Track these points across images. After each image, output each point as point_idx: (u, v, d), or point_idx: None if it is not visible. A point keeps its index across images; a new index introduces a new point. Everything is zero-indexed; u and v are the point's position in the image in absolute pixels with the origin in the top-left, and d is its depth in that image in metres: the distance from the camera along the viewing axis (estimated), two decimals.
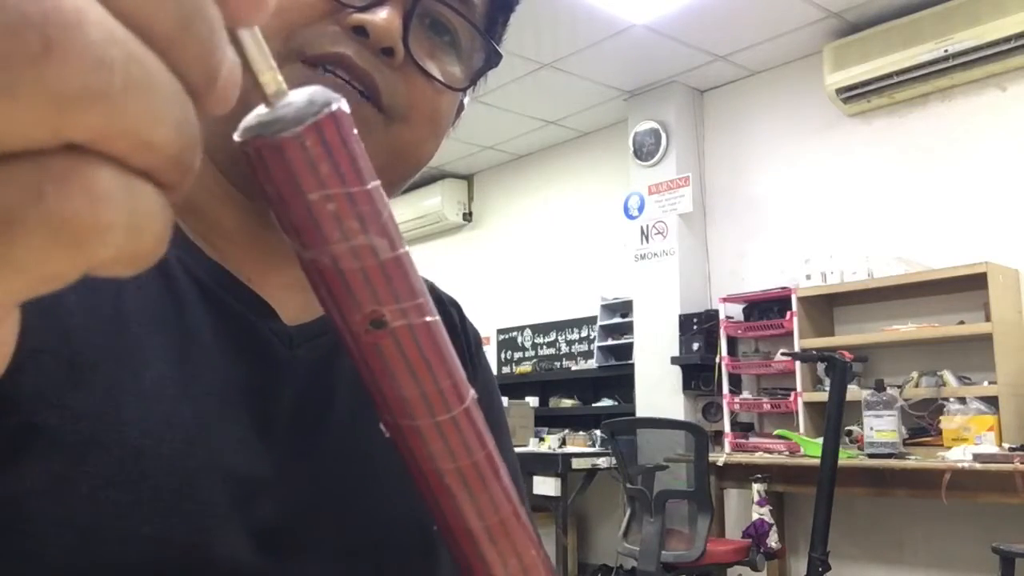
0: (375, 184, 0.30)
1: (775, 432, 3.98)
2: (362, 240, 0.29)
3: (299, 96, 0.29)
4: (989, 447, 3.18)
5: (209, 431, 0.47)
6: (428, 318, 0.31)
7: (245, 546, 0.47)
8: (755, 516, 3.59)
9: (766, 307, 4.23)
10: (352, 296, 0.29)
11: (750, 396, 4.35)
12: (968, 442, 3.27)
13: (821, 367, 3.96)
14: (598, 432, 4.65)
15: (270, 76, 0.29)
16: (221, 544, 0.46)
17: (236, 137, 0.29)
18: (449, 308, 0.70)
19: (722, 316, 4.37)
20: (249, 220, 0.55)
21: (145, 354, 0.47)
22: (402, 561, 0.55)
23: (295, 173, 0.28)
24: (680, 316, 4.55)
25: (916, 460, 3.26)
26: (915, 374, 3.67)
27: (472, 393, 0.33)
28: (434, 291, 0.69)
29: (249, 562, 0.47)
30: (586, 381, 5.36)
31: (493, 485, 0.34)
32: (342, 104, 0.29)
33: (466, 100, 0.64)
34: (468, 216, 6.38)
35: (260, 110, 0.29)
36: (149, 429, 0.45)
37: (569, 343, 5.59)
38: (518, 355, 5.91)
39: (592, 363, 5.30)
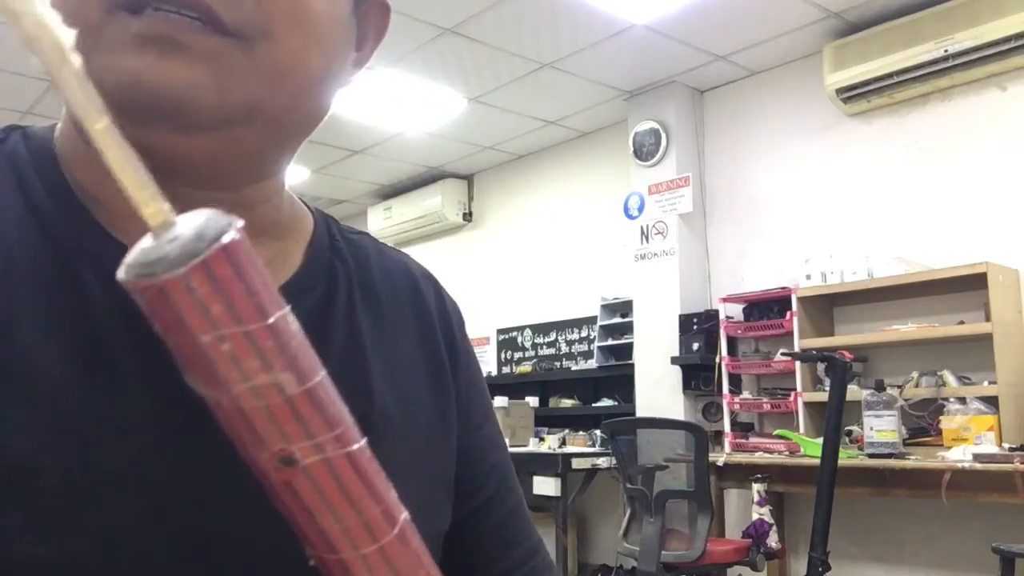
0: (280, 314, 0.27)
1: (775, 432, 3.97)
2: (264, 379, 0.26)
3: (187, 227, 0.26)
4: (989, 447, 3.18)
5: (118, 437, 0.44)
6: (350, 448, 0.29)
7: (164, 560, 0.44)
8: (755, 516, 3.59)
9: (766, 307, 4.23)
10: (257, 435, 0.27)
11: (750, 396, 4.35)
12: (968, 442, 3.27)
13: (821, 367, 3.96)
14: (598, 432, 4.66)
15: (154, 207, 0.26)
16: (135, 560, 0.43)
17: (120, 275, 0.27)
18: (421, 281, 0.66)
19: (722, 316, 4.37)
20: None
21: (40, 361, 0.43)
22: None
23: (183, 316, 0.26)
24: (680, 316, 4.55)
25: (916, 460, 3.26)
26: (915, 374, 3.67)
27: (404, 515, 0.31)
28: (405, 263, 0.67)
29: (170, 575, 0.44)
30: (586, 381, 5.36)
31: None
32: (234, 233, 0.26)
33: None
34: (468, 216, 6.38)
35: (146, 242, 0.27)
36: (41, 442, 0.42)
37: (569, 343, 5.59)
38: (518, 355, 5.91)
39: (592, 363, 5.30)
